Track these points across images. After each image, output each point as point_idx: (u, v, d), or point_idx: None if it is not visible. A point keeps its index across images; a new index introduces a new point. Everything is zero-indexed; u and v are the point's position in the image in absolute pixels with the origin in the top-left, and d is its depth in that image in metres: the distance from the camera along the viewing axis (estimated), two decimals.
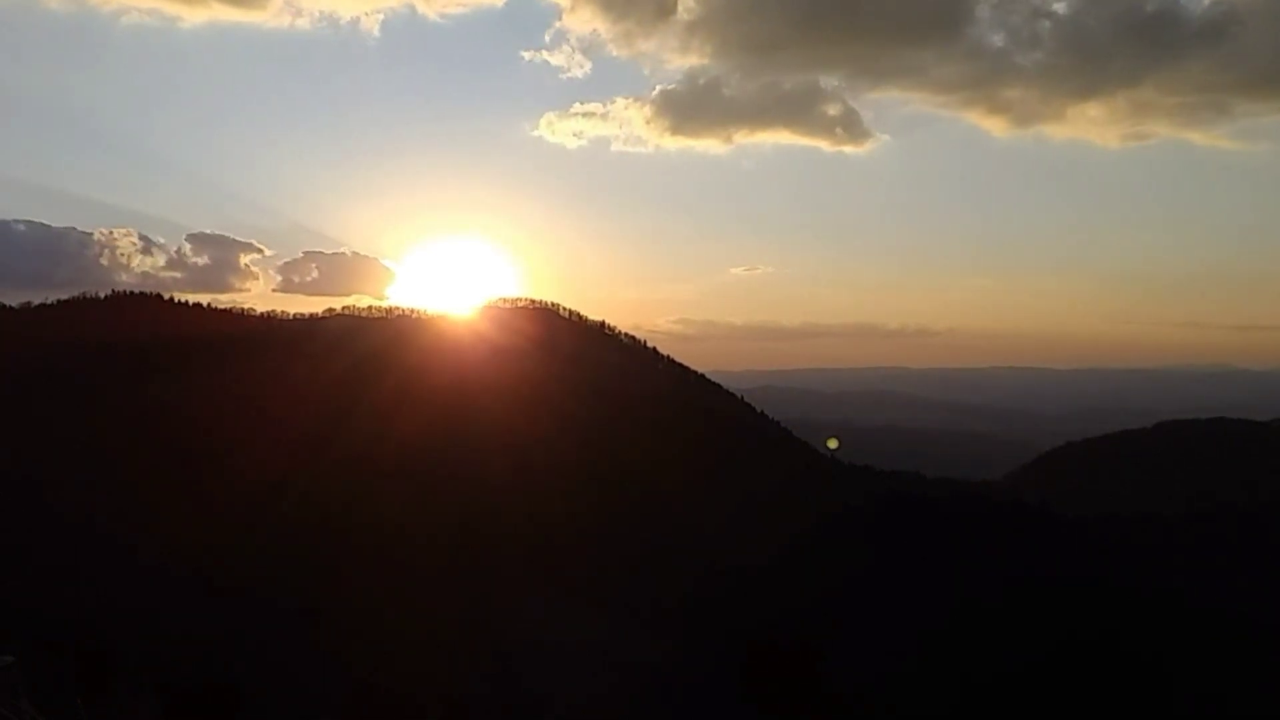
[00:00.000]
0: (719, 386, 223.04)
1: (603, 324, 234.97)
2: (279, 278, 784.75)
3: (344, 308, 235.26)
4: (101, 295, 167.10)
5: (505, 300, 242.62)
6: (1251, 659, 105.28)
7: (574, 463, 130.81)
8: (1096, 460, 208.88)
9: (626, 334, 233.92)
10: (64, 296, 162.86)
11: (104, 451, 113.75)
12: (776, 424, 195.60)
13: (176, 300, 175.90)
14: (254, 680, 59.11)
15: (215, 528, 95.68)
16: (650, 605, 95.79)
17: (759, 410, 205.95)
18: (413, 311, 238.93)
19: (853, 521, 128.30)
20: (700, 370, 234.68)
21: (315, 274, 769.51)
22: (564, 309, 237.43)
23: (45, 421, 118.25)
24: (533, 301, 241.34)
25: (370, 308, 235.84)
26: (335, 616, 78.79)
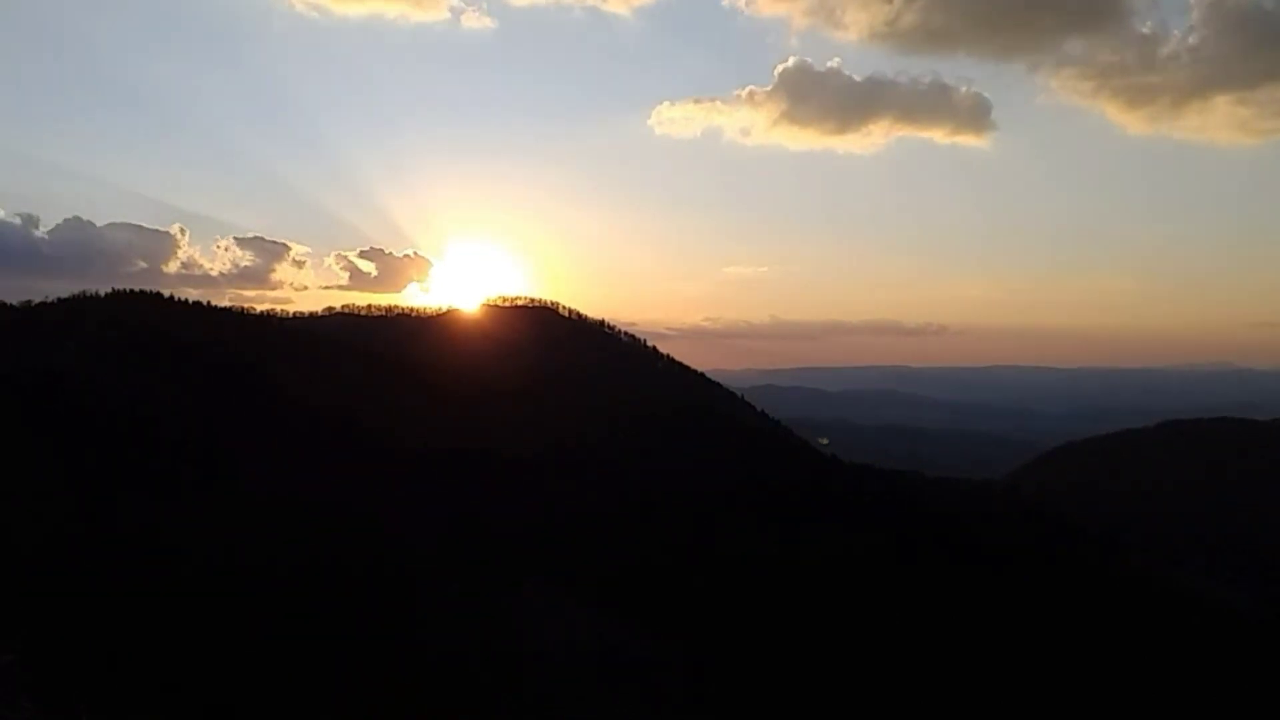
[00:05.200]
0: (717, 384, 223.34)
1: (602, 322, 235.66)
2: (344, 275, 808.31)
3: (344, 306, 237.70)
4: (102, 293, 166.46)
5: (505, 299, 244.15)
6: (1253, 655, 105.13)
7: (561, 458, 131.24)
8: (1099, 459, 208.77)
9: (627, 333, 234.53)
10: (64, 295, 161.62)
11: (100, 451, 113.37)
12: (777, 423, 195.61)
13: (176, 298, 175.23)
14: (256, 677, 58.94)
15: (214, 529, 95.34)
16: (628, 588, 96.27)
17: (759, 409, 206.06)
18: (412, 310, 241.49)
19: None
20: (708, 369, 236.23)
21: (374, 271, 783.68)
22: (564, 308, 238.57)
23: (41, 421, 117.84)
24: (532, 300, 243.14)
25: (370, 306, 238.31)
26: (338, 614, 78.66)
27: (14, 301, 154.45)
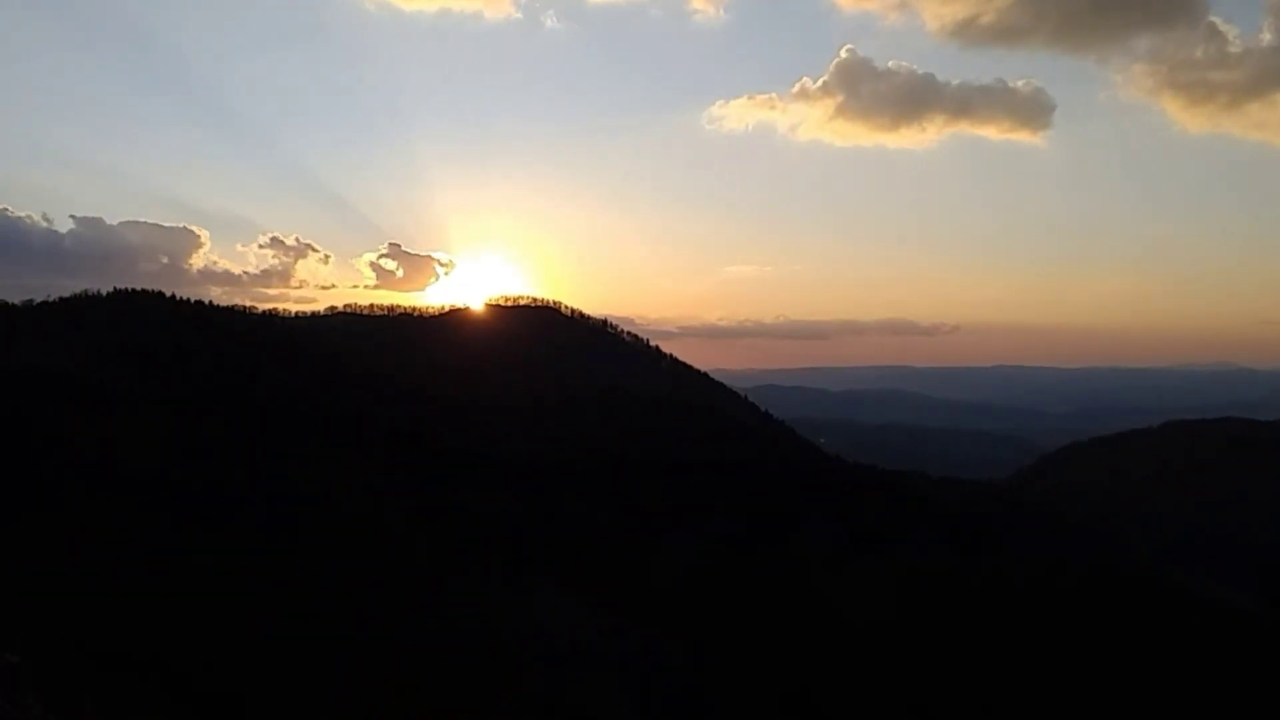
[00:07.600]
0: (720, 384, 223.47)
1: (604, 322, 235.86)
2: (370, 274, 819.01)
3: (345, 305, 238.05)
4: (104, 293, 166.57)
5: (507, 298, 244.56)
6: (1254, 655, 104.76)
7: (557, 457, 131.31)
8: (1103, 459, 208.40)
9: (630, 333, 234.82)
10: (65, 295, 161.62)
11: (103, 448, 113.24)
12: (780, 422, 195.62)
13: (178, 297, 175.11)
14: (255, 680, 58.83)
15: (213, 528, 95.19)
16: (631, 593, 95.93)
17: (763, 409, 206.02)
18: (415, 310, 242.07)
19: None
20: (712, 369, 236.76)
21: (399, 270, 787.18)
22: (566, 307, 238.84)
23: (40, 419, 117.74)
24: (534, 300, 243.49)
25: (371, 306, 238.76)
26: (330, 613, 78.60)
27: (16, 301, 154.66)
